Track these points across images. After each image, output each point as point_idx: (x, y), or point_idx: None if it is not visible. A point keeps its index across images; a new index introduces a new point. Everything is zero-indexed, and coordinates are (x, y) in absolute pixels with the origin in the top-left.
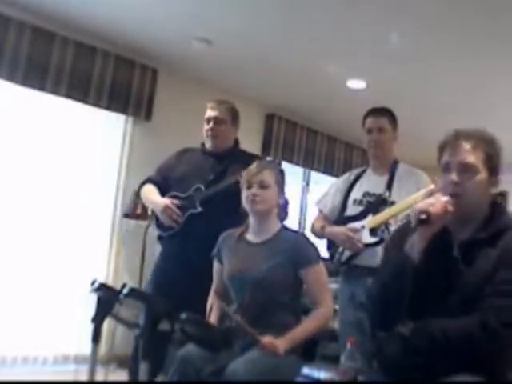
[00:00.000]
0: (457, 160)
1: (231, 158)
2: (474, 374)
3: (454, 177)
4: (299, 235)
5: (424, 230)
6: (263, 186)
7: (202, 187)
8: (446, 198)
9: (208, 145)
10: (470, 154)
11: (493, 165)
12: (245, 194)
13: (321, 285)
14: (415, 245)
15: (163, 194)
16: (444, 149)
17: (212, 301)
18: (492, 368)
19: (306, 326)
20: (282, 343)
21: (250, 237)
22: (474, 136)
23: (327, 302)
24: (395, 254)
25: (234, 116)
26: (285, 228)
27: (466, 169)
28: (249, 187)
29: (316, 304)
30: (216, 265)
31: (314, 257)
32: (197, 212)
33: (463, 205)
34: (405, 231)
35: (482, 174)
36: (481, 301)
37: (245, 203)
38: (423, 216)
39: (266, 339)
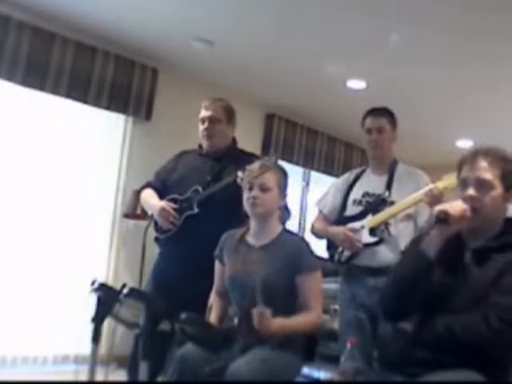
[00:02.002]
0: (474, 176)
1: (229, 159)
2: (474, 371)
3: (471, 191)
4: (299, 240)
5: (442, 229)
6: (264, 188)
7: (200, 189)
8: (465, 206)
9: (205, 145)
10: (487, 171)
11: (509, 181)
12: (246, 196)
13: (314, 293)
14: (432, 242)
15: (162, 197)
16: (463, 165)
17: (213, 300)
18: (493, 363)
19: (297, 321)
20: (275, 323)
21: (250, 239)
22: (491, 153)
23: (318, 310)
24: (413, 252)
25: (229, 114)
26: (286, 231)
27: (483, 184)
28: (250, 189)
29: (305, 308)
30: (218, 265)
31: (312, 264)
32: (194, 213)
33: (479, 218)
34: (423, 237)
35: (498, 190)
36: (485, 300)
37: (245, 205)
38: (442, 215)
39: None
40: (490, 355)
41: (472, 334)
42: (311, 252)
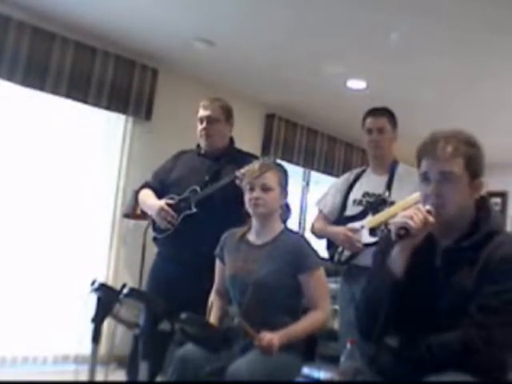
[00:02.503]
0: (436, 169)
1: (226, 158)
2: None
3: (434, 188)
4: (300, 238)
5: (404, 244)
6: (265, 188)
7: (198, 188)
8: (427, 207)
9: (203, 145)
10: (450, 162)
11: (475, 168)
12: (247, 197)
13: (319, 290)
14: (396, 260)
15: (160, 197)
16: (422, 156)
17: (213, 300)
18: (487, 370)
19: (302, 326)
20: (276, 341)
21: (251, 238)
22: (452, 140)
23: (324, 306)
24: (379, 268)
25: (227, 114)
26: (287, 229)
27: (446, 178)
28: (251, 189)
29: (313, 308)
30: (218, 264)
31: (314, 262)
32: (192, 213)
33: (445, 215)
34: (391, 240)
35: (464, 181)
36: (464, 316)
37: (247, 206)
38: (402, 231)
39: (265, 340)
40: (476, 369)
41: (454, 356)
42: (313, 250)
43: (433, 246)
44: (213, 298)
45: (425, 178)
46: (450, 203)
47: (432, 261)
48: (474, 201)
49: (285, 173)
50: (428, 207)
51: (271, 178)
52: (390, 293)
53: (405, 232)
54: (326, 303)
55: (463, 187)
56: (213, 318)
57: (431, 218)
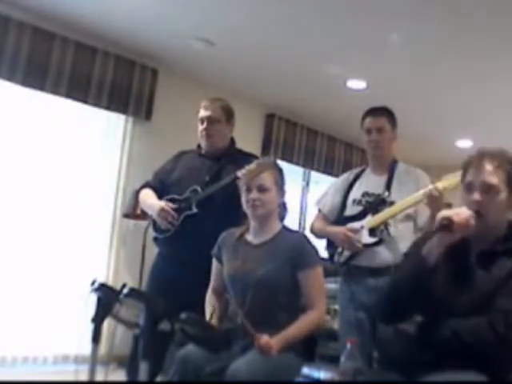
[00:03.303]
0: (480, 180)
1: (227, 159)
2: (478, 373)
3: (476, 196)
4: (300, 236)
5: (444, 236)
6: (262, 189)
7: (199, 189)
8: (470, 213)
9: (203, 145)
10: (493, 175)
11: None
12: (244, 198)
13: (316, 289)
14: (433, 249)
15: (161, 197)
16: (468, 168)
17: (208, 298)
18: (497, 366)
19: (298, 328)
20: (274, 344)
21: (250, 237)
22: (496, 157)
23: (320, 306)
24: (413, 256)
25: (228, 114)
26: (285, 228)
27: (489, 189)
28: (248, 190)
29: (309, 307)
30: (215, 263)
31: (313, 260)
32: (192, 213)
33: (484, 223)
34: (426, 239)
35: (504, 194)
36: (492, 304)
37: (245, 207)
38: (446, 221)
39: (263, 341)
40: (494, 359)
41: (478, 339)
42: (313, 248)
43: (467, 247)
44: (208, 297)
45: (469, 187)
46: (490, 212)
47: (466, 261)
48: (509, 214)
49: (281, 172)
50: (471, 212)
51: (267, 179)
52: (421, 278)
53: (447, 223)
54: (322, 303)
55: (503, 200)
56: (208, 316)
57: (473, 222)
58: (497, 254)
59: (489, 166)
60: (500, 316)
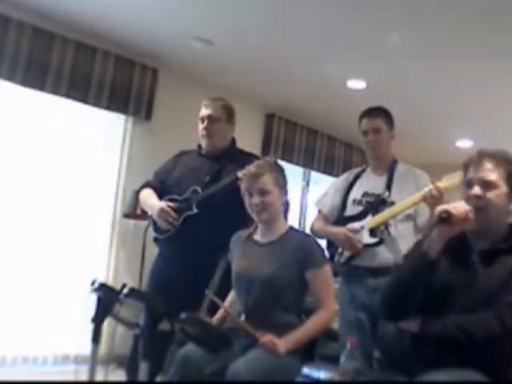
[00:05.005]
0: (479, 176)
1: (227, 158)
2: (477, 370)
3: (476, 190)
4: (306, 236)
5: (443, 229)
6: (264, 192)
7: (199, 189)
8: (468, 207)
9: (204, 144)
10: (492, 172)
11: None
12: (247, 203)
13: (325, 287)
14: (433, 242)
15: (161, 197)
16: (468, 167)
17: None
18: (502, 362)
19: (308, 329)
20: (282, 344)
21: (258, 237)
22: (496, 155)
23: (330, 305)
24: (415, 251)
25: (229, 113)
26: (292, 228)
27: (488, 185)
28: (250, 195)
29: (319, 306)
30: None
31: (320, 258)
32: (193, 214)
33: (484, 218)
34: (427, 236)
35: (503, 191)
36: (497, 300)
37: (250, 211)
38: (444, 214)
39: (267, 338)
40: (501, 354)
41: (487, 332)
42: (320, 247)
43: (468, 247)
44: (231, 296)
45: (468, 183)
46: (489, 206)
47: (468, 259)
48: (510, 212)
49: (281, 171)
50: (469, 207)
51: (268, 181)
52: (422, 272)
53: (446, 216)
54: (332, 301)
55: (502, 196)
56: (216, 315)
57: (471, 215)
58: (499, 252)
59: (488, 164)
60: (507, 309)
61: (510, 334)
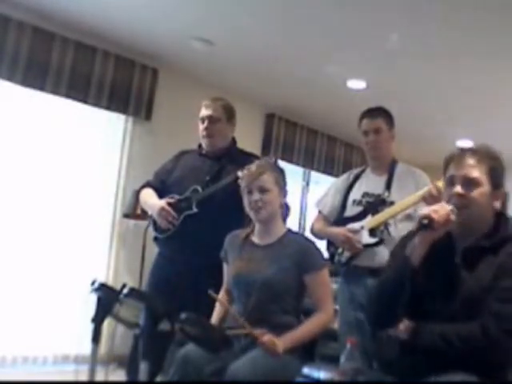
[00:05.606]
0: (461, 174)
1: (228, 158)
2: (469, 374)
3: (458, 189)
4: (305, 239)
5: (425, 235)
6: (264, 190)
7: (199, 188)
8: (450, 207)
9: (204, 144)
10: (474, 168)
11: (496, 179)
12: (246, 201)
13: (324, 290)
14: (415, 249)
15: (161, 197)
16: (449, 164)
17: (221, 297)
18: (491, 369)
19: (306, 329)
20: (280, 343)
21: (255, 239)
22: (478, 151)
23: (328, 308)
24: (396, 257)
25: (229, 113)
26: (290, 231)
27: (470, 182)
28: (249, 193)
29: (317, 308)
30: (224, 266)
31: (319, 262)
32: (193, 213)
33: (467, 216)
34: (411, 237)
35: (486, 187)
36: (482, 307)
37: (248, 210)
38: (425, 221)
39: (266, 337)
40: (487, 363)
41: (470, 344)
42: (318, 250)
43: (452, 245)
44: (221, 295)
45: (450, 181)
46: (472, 204)
47: (451, 258)
48: (493, 210)
49: (281, 172)
50: (451, 207)
51: (268, 180)
52: (405, 278)
53: (427, 222)
54: (330, 304)
55: (485, 193)
56: (215, 317)
57: (453, 217)
58: (483, 251)
59: (470, 160)
60: (492, 320)
61: (495, 345)
